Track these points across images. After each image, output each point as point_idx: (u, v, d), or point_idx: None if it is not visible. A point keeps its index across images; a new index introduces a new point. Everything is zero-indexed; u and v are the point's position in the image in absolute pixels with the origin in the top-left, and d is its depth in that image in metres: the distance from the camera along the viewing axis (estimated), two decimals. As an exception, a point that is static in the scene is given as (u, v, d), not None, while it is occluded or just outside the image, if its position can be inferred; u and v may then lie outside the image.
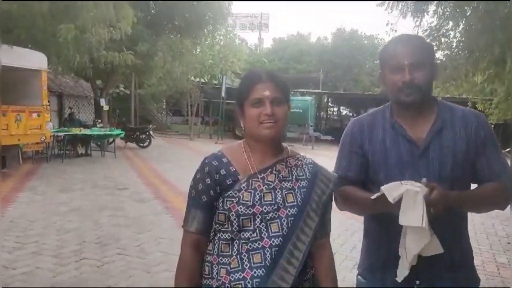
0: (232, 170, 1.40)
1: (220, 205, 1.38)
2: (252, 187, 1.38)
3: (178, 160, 13.15)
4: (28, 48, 9.29)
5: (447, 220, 1.53)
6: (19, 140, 8.89)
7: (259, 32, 37.06)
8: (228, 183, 1.38)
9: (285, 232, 1.37)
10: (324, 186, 1.47)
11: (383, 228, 1.63)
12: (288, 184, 1.42)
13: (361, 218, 1.79)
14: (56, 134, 11.50)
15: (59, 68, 12.13)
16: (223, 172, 1.40)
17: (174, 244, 4.78)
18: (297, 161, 1.49)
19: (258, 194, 1.37)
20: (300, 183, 1.44)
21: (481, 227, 6.10)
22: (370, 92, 24.97)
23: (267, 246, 1.35)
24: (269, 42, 41.02)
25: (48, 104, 10.12)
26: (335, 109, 36.57)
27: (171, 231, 5.33)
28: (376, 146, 1.64)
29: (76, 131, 12.08)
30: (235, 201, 1.36)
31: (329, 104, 31.92)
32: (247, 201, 1.36)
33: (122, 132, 14.25)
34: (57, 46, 9.09)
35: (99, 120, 14.68)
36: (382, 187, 1.43)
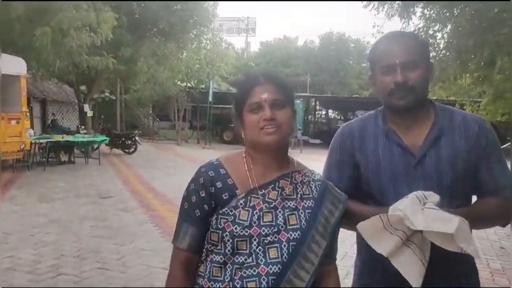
0: (230, 183, 1.24)
1: (214, 222, 1.22)
2: (251, 204, 1.22)
3: (165, 166, 12.90)
4: (7, 54, 9.00)
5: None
6: (-3, 148, 8.59)
7: (246, 36, 36.97)
8: (224, 198, 1.22)
9: (285, 259, 1.19)
10: (332, 207, 1.30)
11: None
12: (292, 204, 1.25)
13: None
14: (37, 141, 11.17)
15: (40, 73, 11.81)
16: (219, 185, 1.24)
17: (157, 257, 4.58)
18: (303, 176, 1.31)
19: (256, 213, 1.21)
20: (306, 203, 1.26)
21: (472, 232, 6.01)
22: (358, 95, 25.05)
23: (263, 274, 1.17)
24: (256, 46, 41.01)
25: (27, 110, 9.81)
26: (323, 112, 36.65)
27: (155, 242, 5.11)
28: (368, 156, 1.48)
29: (58, 137, 11.76)
30: (230, 220, 1.20)
31: (317, 107, 31.97)
32: (244, 220, 1.20)
33: (106, 138, 13.95)
34: (36, 50, 8.81)
35: (83, 127, 14.37)
36: (400, 208, 1.26)
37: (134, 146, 15.64)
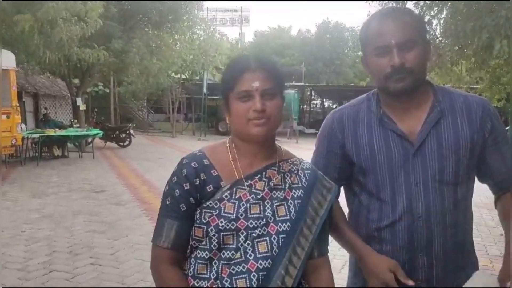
0: (214, 174, 1.16)
1: (198, 217, 1.14)
2: (237, 196, 1.14)
3: (159, 158, 12.79)
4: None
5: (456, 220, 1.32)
6: (-13, 143, 8.43)
7: (240, 26, 36.64)
8: (209, 190, 1.14)
9: (275, 253, 1.11)
10: (321, 198, 1.21)
11: (376, 243, 1.36)
12: (280, 194, 1.17)
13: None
14: (30, 136, 11.02)
15: (31, 67, 11.61)
16: (203, 176, 1.16)
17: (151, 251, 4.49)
18: (291, 165, 1.23)
19: (243, 205, 1.13)
20: (295, 193, 1.18)
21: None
22: (353, 84, 24.96)
23: (253, 270, 1.09)
24: (250, 36, 40.71)
25: (18, 105, 9.63)
26: (318, 101, 36.56)
27: (149, 236, 4.98)
28: (361, 145, 1.37)
29: (51, 132, 11.59)
30: (215, 213, 1.12)
31: (313, 97, 31.86)
32: (230, 213, 1.12)
33: (100, 132, 13.80)
34: (24, 42, 8.62)
35: (76, 120, 14.19)
36: None
37: (128, 139, 15.51)
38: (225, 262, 1.10)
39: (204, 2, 16.14)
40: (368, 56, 1.33)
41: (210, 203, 1.13)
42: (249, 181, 1.16)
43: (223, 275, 1.09)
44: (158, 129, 24.37)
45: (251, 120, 1.12)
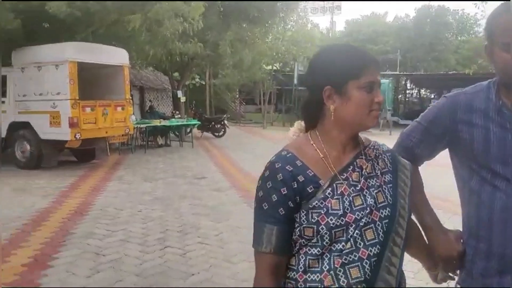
0: (311, 174, 1.17)
1: (304, 218, 1.15)
2: (339, 192, 1.16)
3: (252, 148, 13.26)
4: (111, 45, 9.86)
5: None
6: (106, 132, 9.50)
7: (331, 15, 35.95)
8: (310, 191, 1.16)
9: (382, 238, 1.16)
10: (405, 177, 1.26)
11: (496, 225, 1.35)
12: (375, 181, 1.20)
13: None
14: (138, 126, 12.16)
15: (138, 62, 12.75)
16: (301, 178, 1.16)
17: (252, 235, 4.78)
18: (374, 150, 1.26)
19: (346, 199, 1.16)
20: (385, 178, 1.22)
21: None
22: (455, 71, 23.17)
23: (365, 257, 1.14)
24: (341, 25, 39.70)
25: (131, 97, 10.67)
26: (415, 91, 34.54)
27: (249, 221, 5.27)
28: (473, 132, 1.37)
29: (156, 122, 12.68)
30: (323, 212, 1.14)
31: (408, 86, 30.21)
32: (337, 210, 1.14)
33: (198, 122, 14.71)
34: (134, 40, 9.55)
35: (177, 111, 15.27)
36: None
37: (223, 130, 16.27)
38: (337, 253, 1.14)
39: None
40: (494, 48, 1.32)
41: (316, 203, 1.14)
42: (345, 174, 1.18)
43: (336, 265, 1.13)
44: (250, 120, 25.08)
45: (372, 111, 1.17)
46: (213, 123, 16.48)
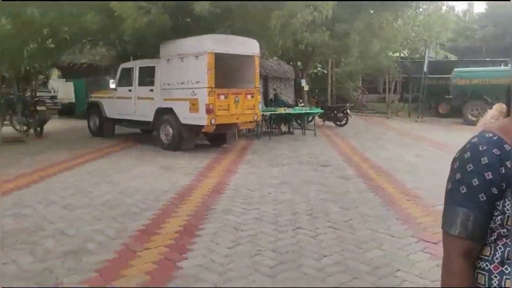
0: None
1: (510, 207, 1.09)
2: None
3: (376, 138, 12.86)
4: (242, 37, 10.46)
5: None
6: (237, 119, 10.17)
7: (469, -5, 32.53)
8: None
9: None
10: None
11: None
12: None
13: None
14: (264, 114, 12.72)
15: (267, 53, 13.26)
16: (510, 164, 1.09)
17: (381, 223, 4.76)
18: None
19: None
20: None
21: None
22: None
23: None
24: (480, 7, 35.58)
25: (259, 86, 11.20)
26: None
27: (377, 210, 5.29)
28: None
29: (281, 110, 13.10)
30: None
31: None
32: None
33: (321, 110, 14.78)
34: (267, 33, 9.98)
35: (300, 100, 15.53)
36: None
37: (345, 119, 16.07)
38: None
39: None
40: None
41: None
42: None
43: None
44: (372, 109, 24.27)
45: None
46: (335, 111, 16.38)
